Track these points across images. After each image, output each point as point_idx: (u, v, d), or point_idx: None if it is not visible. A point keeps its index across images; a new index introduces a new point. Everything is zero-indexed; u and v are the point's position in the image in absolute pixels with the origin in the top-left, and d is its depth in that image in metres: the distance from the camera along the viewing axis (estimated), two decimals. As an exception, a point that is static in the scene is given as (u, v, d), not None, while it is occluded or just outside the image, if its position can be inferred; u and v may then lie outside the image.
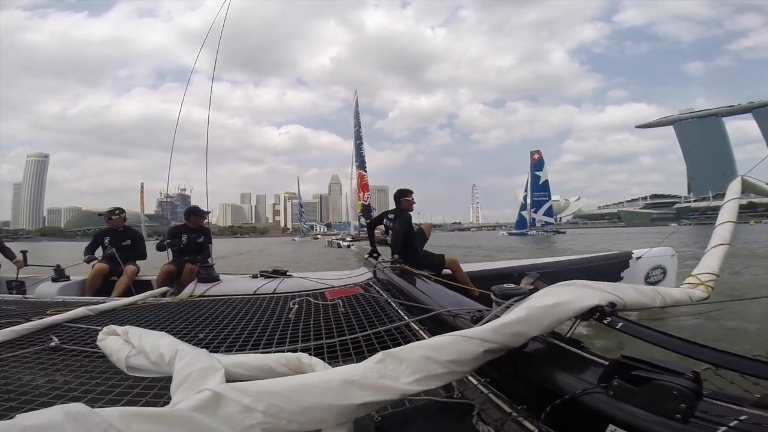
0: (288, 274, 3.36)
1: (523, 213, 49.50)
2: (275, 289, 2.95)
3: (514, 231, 49.03)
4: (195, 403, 0.70)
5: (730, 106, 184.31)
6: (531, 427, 0.88)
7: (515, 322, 0.93)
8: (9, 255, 3.80)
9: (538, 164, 49.35)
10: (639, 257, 4.27)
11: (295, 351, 1.30)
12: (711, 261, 1.79)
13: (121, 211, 4.12)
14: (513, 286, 1.23)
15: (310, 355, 1.18)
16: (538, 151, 50.59)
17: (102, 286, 3.62)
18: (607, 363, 0.90)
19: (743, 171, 2.46)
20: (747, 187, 2.40)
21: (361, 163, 31.08)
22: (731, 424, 0.70)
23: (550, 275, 1.47)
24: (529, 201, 48.42)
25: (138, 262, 3.94)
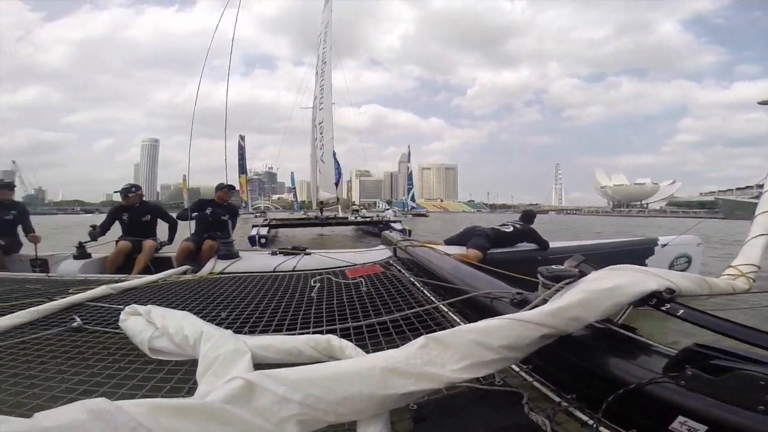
0: (307, 251, 3.31)
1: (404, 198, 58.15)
2: (295, 267, 2.91)
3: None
4: (226, 394, 0.63)
5: None
6: (584, 417, 0.82)
7: (574, 306, 0.86)
8: (27, 229, 3.81)
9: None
10: (665, 244, 4.17)
11: (321, 333, 1.24)
12: (752, 252, 1.67)
13: (138, 187, 4.14)
14: (561, 267, 1.14)
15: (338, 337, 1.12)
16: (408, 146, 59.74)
17: (123, 264, 3.64)
18: (673, 351, 0.85)
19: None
20: None
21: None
22: None
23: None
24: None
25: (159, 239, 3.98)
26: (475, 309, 1.36)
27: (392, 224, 10.80)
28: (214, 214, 4.04)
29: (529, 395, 0.89)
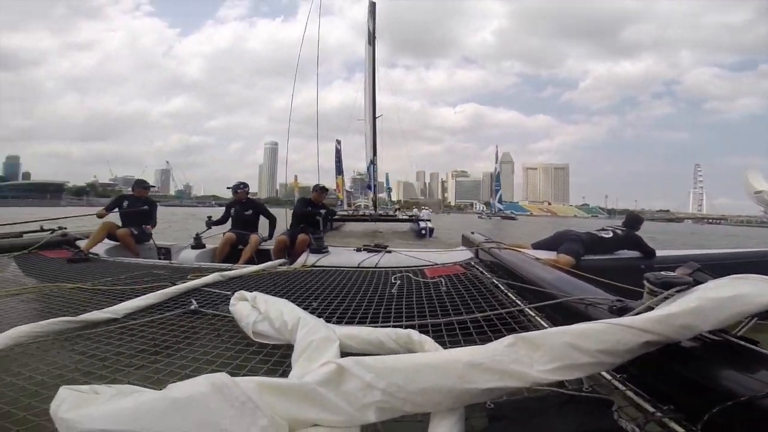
0: (388, 249, 3.39)
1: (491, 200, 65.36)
2: (377, 263, 2.99)
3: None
4: (320, 377, 0.69)
5: None
6: (678, 429, 0.76)
7: (686, 313, 0.78)
8: (153, 221, 4.46)
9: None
10: None
11: (401, 327, 1.28)
12: None
13: (245, 185, 4.67)
14: (672, 274, 1.02)
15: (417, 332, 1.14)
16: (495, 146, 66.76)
17: (230, 253, 4.09)
18: None
19: None
20: None
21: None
22: None
23: None
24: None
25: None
26: (567, 315, 1.28)
27: (420, 221, 14.80)
28: (309, 213, 4.38)
29: (620, 404, 0.83)
